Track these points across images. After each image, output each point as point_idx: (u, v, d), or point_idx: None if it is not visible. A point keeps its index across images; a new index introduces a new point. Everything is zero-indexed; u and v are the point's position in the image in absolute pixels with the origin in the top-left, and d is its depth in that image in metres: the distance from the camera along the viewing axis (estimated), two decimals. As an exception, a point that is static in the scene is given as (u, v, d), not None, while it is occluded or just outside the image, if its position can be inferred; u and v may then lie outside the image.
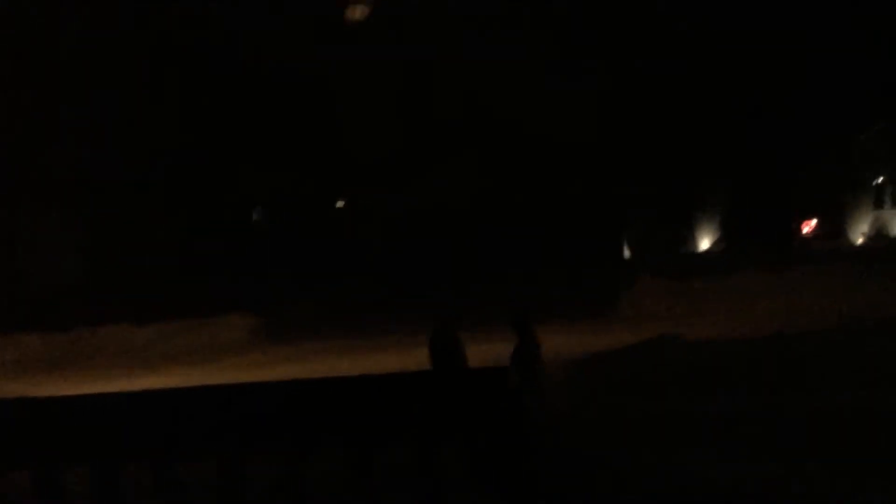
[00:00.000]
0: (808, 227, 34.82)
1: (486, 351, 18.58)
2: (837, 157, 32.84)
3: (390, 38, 31.58)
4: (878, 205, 34.05)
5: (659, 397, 11.76)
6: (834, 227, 33.93)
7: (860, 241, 33.63)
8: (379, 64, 31.67)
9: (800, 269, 26.31)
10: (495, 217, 31.92)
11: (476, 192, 31.84)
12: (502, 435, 6.23)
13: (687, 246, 34.88)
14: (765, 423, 9.78)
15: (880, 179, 33.86)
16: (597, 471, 7.88)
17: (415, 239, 32.23)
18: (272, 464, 6.46)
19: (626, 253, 34.89)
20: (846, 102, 30.70)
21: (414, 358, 18.94)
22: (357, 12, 32.53)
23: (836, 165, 32.99)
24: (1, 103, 29.78)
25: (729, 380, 12.70)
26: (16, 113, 30.14)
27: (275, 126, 32.42)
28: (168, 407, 7.18)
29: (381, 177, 33.27)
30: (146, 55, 31.53)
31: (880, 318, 17.87)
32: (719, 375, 13.10)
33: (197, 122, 32.11)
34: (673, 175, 32.38)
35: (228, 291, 29.17)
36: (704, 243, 35.17)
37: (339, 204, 37.29)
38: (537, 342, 10.51)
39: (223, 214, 33.14)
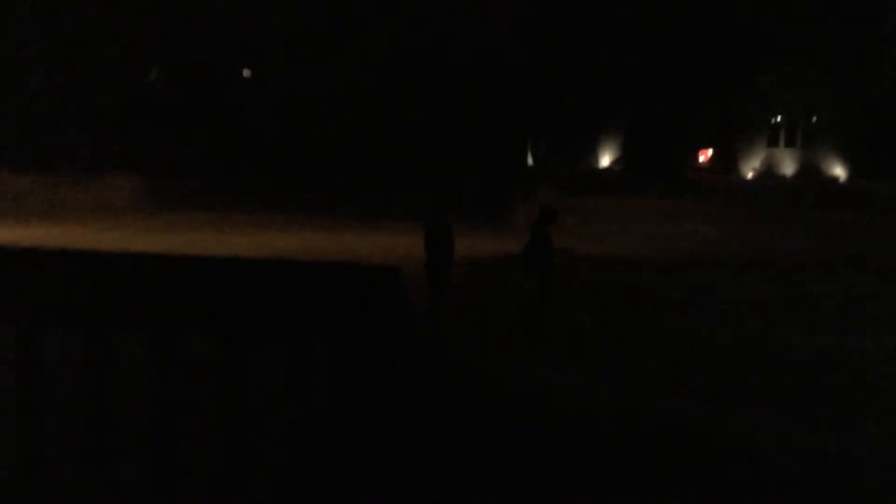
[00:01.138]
0: (705, 156, 35.80)
1: (393, 243, 18.79)
2: (738, 95, 33.65)
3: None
4: (772, 143, 35.21)
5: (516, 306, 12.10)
6: (727, 161, 35.03)
7: (750, 175, 34.87)
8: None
9: (690, 199, 27.21)
10: (406, 110, 31.49)
11: (390, 81, 31.24)
12: (385, 341, 6.10)
13: (588, 162, 35.43)
14: (619, 340, 10.23)
15: (776, 119, 34.95)
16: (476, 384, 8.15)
17: (321, 120, 31.53)
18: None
19: (530, 161, 35.18)
20: (751, 46, 31.38)
21: (300, 241, 18.94)
22: None
23: (736, 103, 33.83)
24: None
25: (600, 296, 13.17)
26: None
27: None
28: (96, 268, 6.64)
29: (291, 50, 32.13)
30: None
31: (751, 256, 18.75)
32: (593, 291, 13.58)
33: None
34: (581, 93, 32.57)
35: (117, 151, 28.05)
36: (605, 160, 35.79)
37: (246, 73, 35.90)
38: (549, 243, 10.60)
39: (118, 72, 31.44)
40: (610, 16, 31.10)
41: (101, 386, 5.57)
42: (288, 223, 22.64)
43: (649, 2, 30.53)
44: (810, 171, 34.13)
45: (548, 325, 10.73)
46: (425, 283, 10.66)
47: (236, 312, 6.20)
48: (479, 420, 7.03)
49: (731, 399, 7.86)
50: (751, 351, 10.04)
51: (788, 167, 34.82)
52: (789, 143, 34.98)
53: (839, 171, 34.06)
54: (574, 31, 31.28)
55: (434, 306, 10.69)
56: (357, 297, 6.75)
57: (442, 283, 10.66)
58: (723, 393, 8.08)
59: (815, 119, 34.64)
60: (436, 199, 11.39)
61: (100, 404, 5.85)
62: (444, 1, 30.22)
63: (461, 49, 30.57)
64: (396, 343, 6.78)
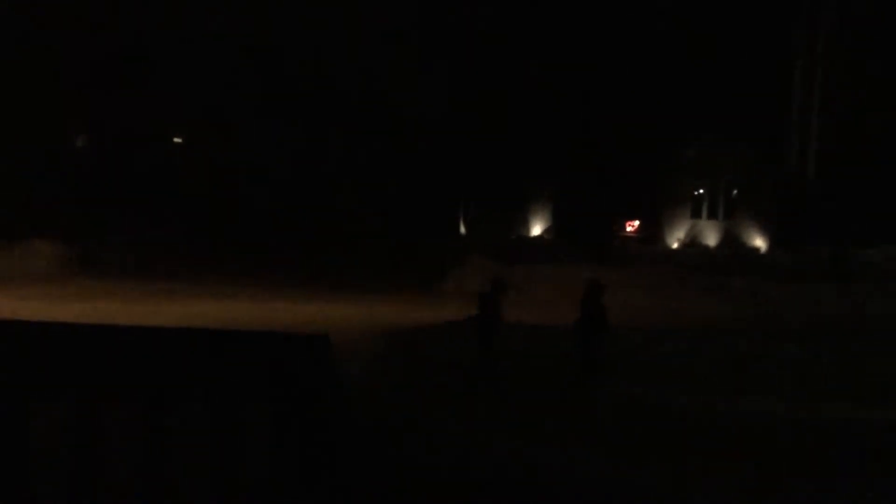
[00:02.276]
0: (631, 227, 36.66)
1: (327, 311, 18.57)
2: (663, 167, 34.75)
3: None
4: (696, 215, 36.29)
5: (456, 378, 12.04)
6: (653, 231, 35.92)
7: (675, 245, 35.77)
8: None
9: (617, 267, 27.72)
10: (338, 181, 31.65)
11: (324, 147, 31.46)
12: (310, 409, 6.03)
13: (519, 230, 35.92)
14: (569, 409, 10.29)
15: (699, 192, 36.10)
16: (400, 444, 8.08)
17: (248, 191, 31.42)
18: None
19: (462, 229, 35.52)
20: (677, 118, 32.66)
21: (231, 310, 18.63)
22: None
23: (663, 175, 34.90)
24: None
25: (530, 365, 13.24)
26: None
27: (110, 46, 30.57)
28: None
29: (220, 119, 32.15)
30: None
31: (681, 323, 19.14)
32: (521, 359, 13.64)
33: (31, 33, 29.83)
34: (511, 162, 33.25)
35: (41, 217, 27.41)
36: (536, 229, 36.34)
37: (177, 140, 35.72)
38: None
39: (42, 137, 30.95)
40: (538, 87, 32.04)
41: (19, 455, 5.36)
42: (218, 291, 22.29)
43: (577, 75, 31.56)
44: (732, 242, 35.20)
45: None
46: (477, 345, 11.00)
47: (157, 382, 6.05)
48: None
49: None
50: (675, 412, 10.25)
51: (711, 238, 35.86)
52: (712, 215, 36.09)
53: (759, 242, 35.21)
54: (503, 100, 32.09)
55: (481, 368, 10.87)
56: (286, 365, 6.63)
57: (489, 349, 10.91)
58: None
59: (735, 192, 35.88)
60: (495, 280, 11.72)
61: (19, 472, 5.60)
62: (376, 69, 30.76)
63: (392, 113, 31.05)
64: (324, 409, 6.68)
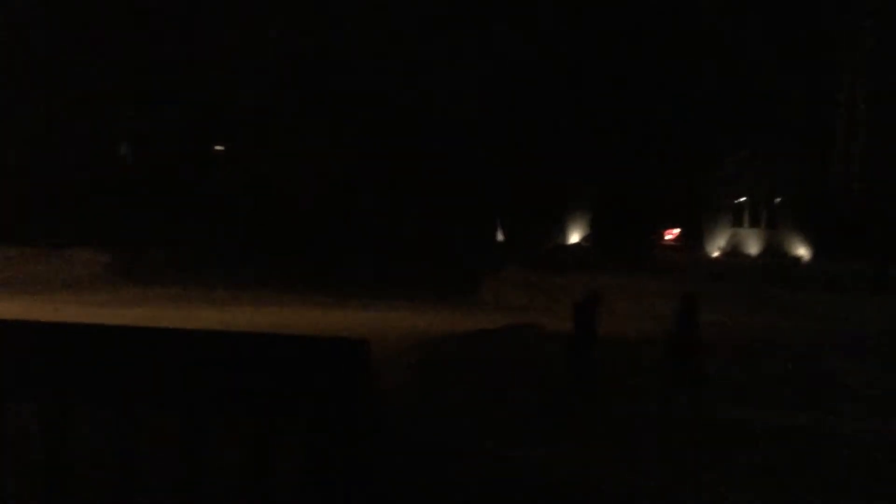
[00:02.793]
0: (671, 234, 36.26)
1: (367, 318, 18.63)
2: (705, 176, 34.35)
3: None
4: (737, 223, 35.82)
5: (491, 387, 11.90)
6: (694, 240, 35.50)
7: (716, 254, 35.32)
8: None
9: (654, 276, 27.43)
10: (375, 189, 31.73)
11: (357, 161, 31.55)
12: (347, 416, 5.92)
13: (557, 239, 35.72)
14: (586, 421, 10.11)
15: (741, 200, 35.63)
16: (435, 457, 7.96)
17: (288, 200, 31.62)
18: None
19: (500, 237, 35.41)
20: (720, 128, 32.33)
21: (270, 317, 18.73)
22: None
23: (703, 183, 34.51)
24: None
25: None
26: None
27: (150, 58, 31.00)
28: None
29: (261, 128, 32.43)
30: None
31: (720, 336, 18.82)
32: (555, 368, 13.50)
33: (74, 46, 30.37)
34: (550, 170, 33.09)
35: (84, 225, 27.83)
36: (574, 237, 36.10)
37: (219, 148, 36.09)
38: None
39: (88, 146, 31.46)
40: (577, 97, 31.85)
41: (63, 455, 5.37)
42: (259, 298, 22.44)
43: (615, 85, 31.34)
44: (774, 251, 34.66)
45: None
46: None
47: (198, 388, 5.99)
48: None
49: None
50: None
51: (753, 246, 35.35)
52: (754, 223, 35.58)
53: (802, 251, 34.62)
54: (541, 107, 31.94)
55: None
56: (325, 370, 6.53)
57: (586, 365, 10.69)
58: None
59: (778, 200, 35.35)
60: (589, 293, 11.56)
61: (61, 471, 5.59)
62: (411, 81, 30.80)
63: (431, 125, 31.07)
64: (360, 416, 6.57)
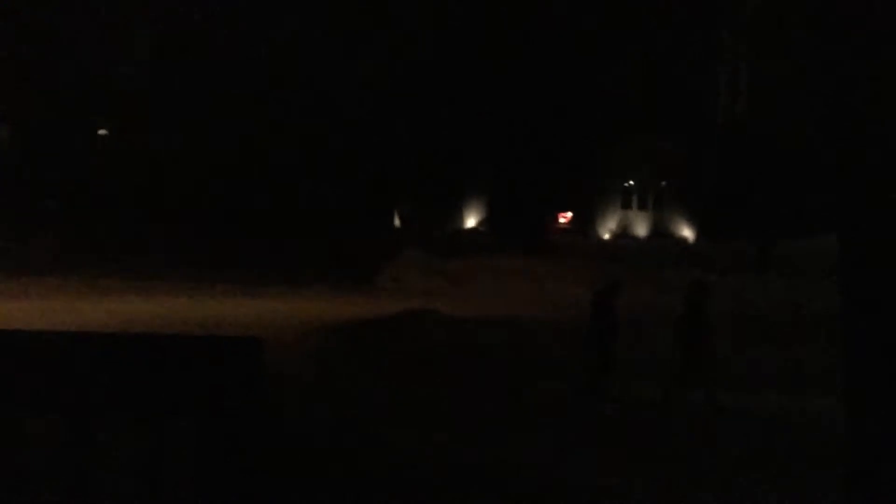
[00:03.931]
0: (564, 218, 37.10)
1: (253, 308, 18.34)
2: (594, 159, 35.23)
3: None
4: (626, 206, 36.93)
5: (398, 376, 11.98)
6: (586, 223, 36.44)
7: (607, 236, 36.35)
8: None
9: (549, 259, 28.07)
10: (268, 170, 31.17)
11: (252, 141, 30.92)
12: (238, 413, 5.91)
13: (454, 224, 36.01)
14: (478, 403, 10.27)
15: (630, 183, 36.74)
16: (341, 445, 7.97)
17: (177, 182, 30.72)
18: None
19: (397, 222, 35.44)
20: (608, 114, 33.19)
21: (162, 308, 18.25)
22: None
23: (592, 167, 35.39)
24: None
25: (467, 360, 13.26)
26: None
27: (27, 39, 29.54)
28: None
29: (147, 108, 31.34)
30: None
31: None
32: (461, 354, 13.70)
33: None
34: (444, 154, 33.30)
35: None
36: (471, 221, 36.48)
37: (102, 132, 34.71)
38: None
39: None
40: (472, 80, 32.08)
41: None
42: (149, 288, 21.80)
43: (509, 70, 31.72)
44: (661, 233, 35.93)
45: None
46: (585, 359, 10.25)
47: (83, 391, 5.81)
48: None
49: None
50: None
51: (642, 229, 36.55)
52: (642, 206, 36.78)
53: (688, 233, 36.01)
54: (434, 90, 32.05)
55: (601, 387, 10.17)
56: (216, 371, 6.42)
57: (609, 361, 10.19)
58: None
59: (664, 184, 36.61)
60: (610, 280, 11.08)
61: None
62: (305, 62, 30.36)
63: (324, 108, 30.72)
64: (255, 417, 6.51)
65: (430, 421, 9.31)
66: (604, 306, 10.33)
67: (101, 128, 34.19)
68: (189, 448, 5.67)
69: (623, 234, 36.45)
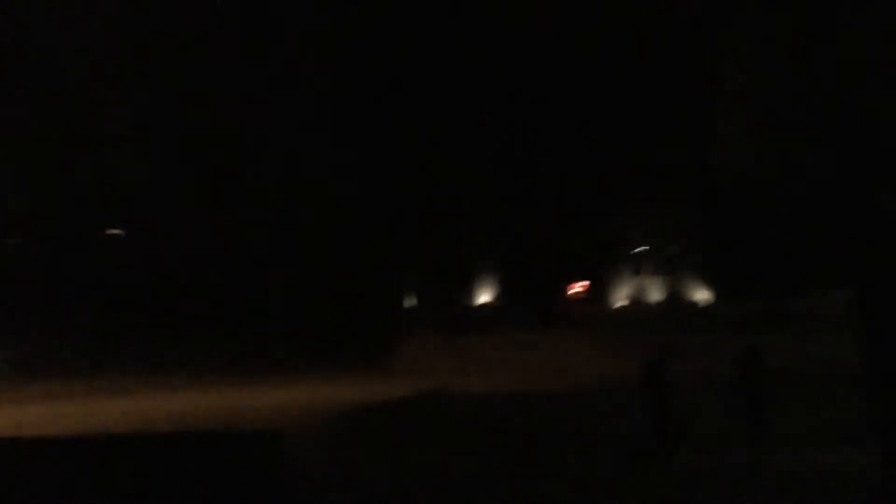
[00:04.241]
0: (576, 288, 36.94)
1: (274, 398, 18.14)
2: (603, 228, 35.26)
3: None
4: (638, 272, 36.75)
5: (428, 454, 11.79)
6: (599, 291, 36.22)
7: (620, 304, 36.10)
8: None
9: (563, 330, 27.90)
10: (275, 261, 31.35)
11: (255, 234, 31.22)
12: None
13: (466, 300, 35.92)
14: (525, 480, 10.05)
15: (640, 249, 36.64)
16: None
17: (186, 278, 30.90)
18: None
19: (412, 301, 35.36)
20: (614, 180, 33.36)
21: (182, 402, 18.09)
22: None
23: (602, 236, 35.39)
24: None
25: (494, 435, 13.04)
26: None
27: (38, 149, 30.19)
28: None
29: (154, 209, 31.79)
30: None
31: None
32: (486, 429, 13.48)
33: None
34: (455, 232, 33.47)
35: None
36: (483, 297, 36.37)
37: (113, 232, 35.11)
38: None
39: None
40: (475, 155, 32.42)
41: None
42: (172, 383, 21.71)
43: (509, 143, 32.08)
44: (676, 297, 35.65)
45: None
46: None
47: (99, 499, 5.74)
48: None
49: None
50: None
51: (655, 294, 36.30)
52: (654, 272, 36.59)
53: (702, 296, 35.73)
54: (441, 173, 32.38)
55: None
56: (234, 468, 6.33)
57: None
58: None
59: (675, 248, 36.50)
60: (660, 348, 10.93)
61: None
62: (309, 146, 30.75)
63: (334, 191, 31.03)
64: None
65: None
66: (657, 374, 10.37)
67: (113, 228, 34.63)
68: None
69: (636, 301, 36.21)
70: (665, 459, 10.19)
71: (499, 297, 35.81)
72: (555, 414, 15.15)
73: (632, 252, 36.67)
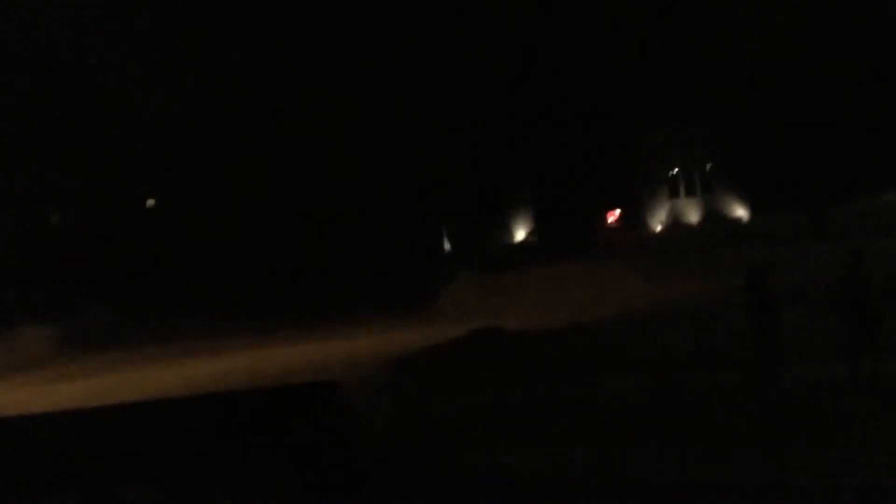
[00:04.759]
0: (613, 216, 36.77)
1: (320, 348, 18.52)
2: (634, 153, 34.91)
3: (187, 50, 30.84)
4: (674, 195, 36.46)
5: (481, 391, 11.94)
6: (635, 217, 36.05)
7: (659, 228, 35.92)
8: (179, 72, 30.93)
9: (604, 260, 27.85)
10: (313, 217, 31.58)
11: (288, 193, 31.41)
12: (328, 453, 5.95)
13: (503, 238, 35.96)
14: (574, 410, 10.14)
15: (674, 171, 36.29)
16: (425, 473, 7.91)
17: (225, 241, 31.29)
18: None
19: (447, 246, 35.50)
20: (641, 104, 32.85)
21: (227, 363, 18.51)
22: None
23: (634, 160, 35.07)
24: None
25: (545, 369, 13.14)
26: None
27: (70, 124, 30.48)
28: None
29: (191, 176, 32.09)
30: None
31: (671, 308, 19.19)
32: (536, 365, 13.57)
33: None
34: (485, 171, 33.35)
35: (22, 302, 27.24)
36: (520, 234, 36.38)
37: (150, 203, 35.58)
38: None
39: (14, 218, 30.78)
40: (500, 90, 32.07)
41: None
42: (216, 346, 22.15)
43: (535, 72, 31.67)
44: (714, 216, 35.38)
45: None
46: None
47: (174, 459, 5.95)
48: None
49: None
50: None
51: (693, 215, 36.03)
52: (689, 193, 36.26)
53: (741, 212, 35.43)
54: (466, 114, 32.13)
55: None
56: (296, 419, 6.50)
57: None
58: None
59: (709, 167, 36.10)
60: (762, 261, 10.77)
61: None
62: (331, 96, 30.62)
63: (361, 149, 31.05)
64: (342, 460, 6.56)
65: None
66: (760, 287, 10.31)
67: (149, 200, 35.06)
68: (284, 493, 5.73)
69: (675, 223, 35.97)
70: (777, 371, 10.13)
71: (535, 233, 35.81)
72: (619, 340, 15.20)
73: (667, 174, 36.35)
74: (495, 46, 31.97)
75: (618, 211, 36.50)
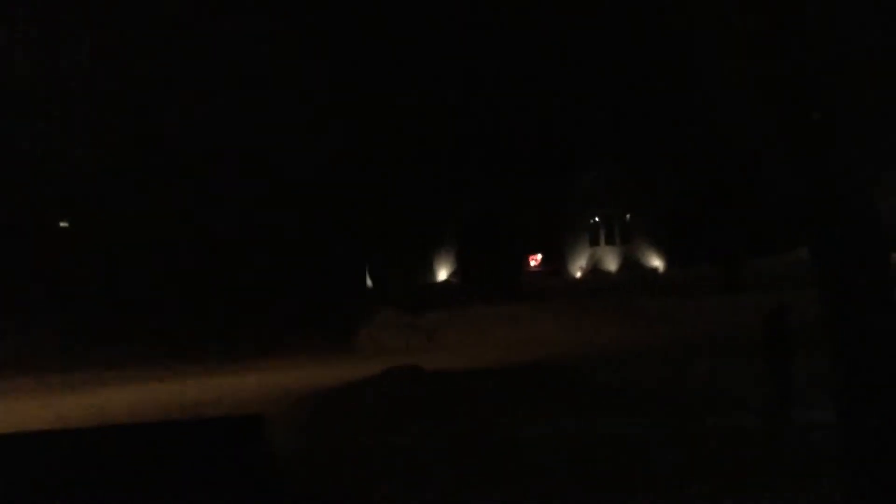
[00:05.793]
0: (535, 261, 37.31)
1: (226, 382, 18.14)
2: (557, 199, 35.59)
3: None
4: (594, 242, 37.23)
5: (396, 430, 11.87)
6: (556, 263, 36.65)
7: (579, 274, 36.55)
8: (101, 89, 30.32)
9: (525, 303, 28.17)
10: (234, 245, 31.07)
11: (215, 218, 30.86)
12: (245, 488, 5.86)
13: (426, 277, 36.04)
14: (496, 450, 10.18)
15: (595, 220, 37.11)
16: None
17: (144, 264, 30.52)
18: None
19: (369, 283, 35.38)
20: (567, 148, 33.56)
21: (146, 394, 17.95)
22: None
23: (557, 207, 35.73)
24: None
25: (457, 409, 13.14)
26: None
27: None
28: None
29: (108, 196, 31.25)
30: None
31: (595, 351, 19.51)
32: (450, 405, 13.57)
33: None
34: (409, 209, 33.44)
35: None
36: (442, 274, 36.53)
37: (63, 224, 34.47)
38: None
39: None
40: (430, 130, 32.29)
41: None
42: (114, 379, 21.47)
43: (465, 111, 32.00)
44: (631, 265, 36.22)
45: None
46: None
47: (79, 493, 5.76)
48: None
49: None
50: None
51: (612, 263, 36.83)
52: (609, 241, 37.11)
53: (657, 262, 36.35)
54: (394, 149, 32.21)
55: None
56: (218, 453, 6.39)
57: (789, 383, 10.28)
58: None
59: (628, 217, 37.03)
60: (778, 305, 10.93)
61: None
62: (269, 131, 30.36)
63: (279, 172, 30.71)
64: (260, 484, 6.48)
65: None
66: (778, 331, 10.56)
67: (62, 220, 33.98)
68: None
69: (594, 270, 36.68)
70: (786, 413, 10.38)
71: (458, 274, 36.02)
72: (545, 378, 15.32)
73: (588, 222, 37.12)
74: (424, 86, 32.25)
75: (539, 255, 37.06)
